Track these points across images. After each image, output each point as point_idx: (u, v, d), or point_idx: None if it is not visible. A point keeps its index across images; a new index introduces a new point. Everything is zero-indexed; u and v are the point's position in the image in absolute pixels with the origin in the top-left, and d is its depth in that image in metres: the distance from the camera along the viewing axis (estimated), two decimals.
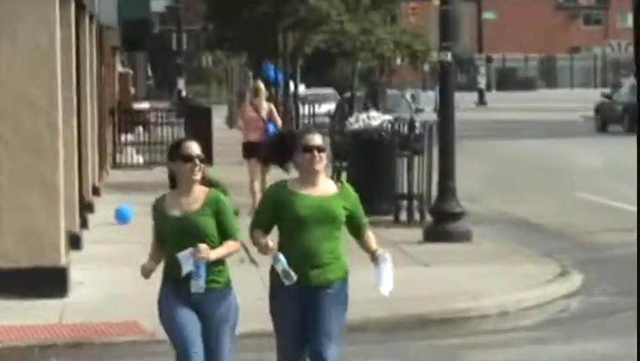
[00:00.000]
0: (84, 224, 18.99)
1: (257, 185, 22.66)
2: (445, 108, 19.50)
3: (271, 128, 22.61)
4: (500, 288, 14.94)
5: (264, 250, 7.30)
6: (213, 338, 7.31)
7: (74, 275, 14.81)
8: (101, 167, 26.32)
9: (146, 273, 7.37)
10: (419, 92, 33.81)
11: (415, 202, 20.06)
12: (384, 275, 7.43)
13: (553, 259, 17.68)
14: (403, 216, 20.20)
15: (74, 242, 16.76)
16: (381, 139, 20.75)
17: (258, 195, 21.65)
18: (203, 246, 7.08)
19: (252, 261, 11.82)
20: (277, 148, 7.95)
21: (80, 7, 19.18)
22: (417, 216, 20.00)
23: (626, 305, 14.42)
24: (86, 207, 20.05)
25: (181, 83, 46.20)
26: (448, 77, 19.65)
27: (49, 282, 14.33)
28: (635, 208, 23.40)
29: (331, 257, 7.41)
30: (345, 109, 29.91)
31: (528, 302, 14.63)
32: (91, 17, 22.01)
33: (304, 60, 34.49)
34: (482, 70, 66.11)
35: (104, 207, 21.67)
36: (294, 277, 7.17)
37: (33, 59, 14.42)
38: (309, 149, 7.46)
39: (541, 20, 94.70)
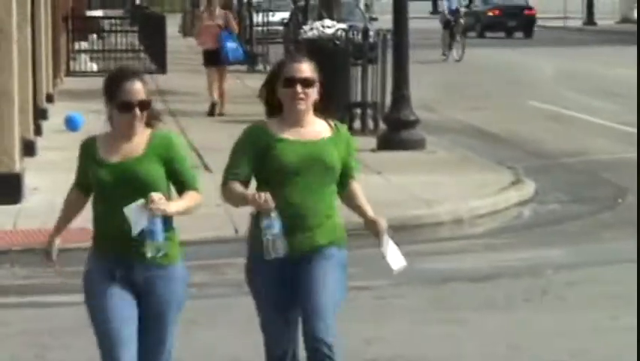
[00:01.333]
0: (38, 131, 18.81)
1: (215, 92, 23.10)
2: (398, 15, 19.24)
3: (226, 34, 23.23)
4: (454, 196, 14.89)
5: (254, 202, 5.76)
6: (153, 329, 5.76)
7: (28, 181, 14.78)
8: (55, 74, 26.30)
9: (50, 252, 5.89)
10: (373, 1, 33.51)
11: (369, 110, 20.40)
12: (389, 255, 6.21)
13: (506, 168, 17.64)
14: (357, 124, 20.12)
15: (28, 148, 16.69)
16: (335, 48, 20.64)
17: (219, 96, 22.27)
18: (157, 195, 5.50)
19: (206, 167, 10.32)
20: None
21: None
22: (371, 124, 20.04)
23: (577, 212, 14.95)
24: (39, 114, 19.89)
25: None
26: None
27: (3, 188, 14.32)
28: (586, 116, 24.07)
29: (322, 216, 6.02)
30: (299, 17, 30.05)
31: (481, 210, 14.58)
32: None
33: None
34: None
35: (58, 115, 21.78)
36: (283, 251, 5.77)
37: None
38: (292, 82, 5.97)
39: None
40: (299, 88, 5.90)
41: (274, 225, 5.72)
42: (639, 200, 8.69)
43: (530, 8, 56.89)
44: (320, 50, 20.71)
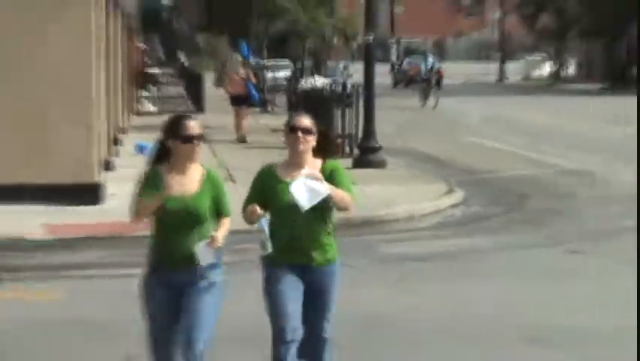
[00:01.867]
0: (115, 153, 18.77)
1: (240, 125, 23.62)
2: (367, 74, 19.33)
3: (250, 84, 23.70)
4: (407, 199, 15.15)
5: (250, 216, 5.51)
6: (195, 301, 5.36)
7: (109, 190, 14.55)
8: (127, 113, 26.35)
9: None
10: (349, 63, 33.22)
11: (347, 140, 20.32)
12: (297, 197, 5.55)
13: (444, 181, 17.29)
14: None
15: (107, 166, 16.46)
16: (323, 96, 20.99)
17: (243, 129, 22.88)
18: (218, 235, 5.29)
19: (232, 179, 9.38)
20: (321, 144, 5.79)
21: (113, 1, 19.47)
22: (348, 150, 20.07)
23: (493, 212, 15.09)
24: (116, 142, 20.16)
25: (182, 56, 45.14)
26: (370, 52, 19.44)
27: (87, 194, 14.06)
28: (502, 146, 23.88)
29: (317, 242, 5.57)
30: (297, 75, 30.76)
31: (427, 210, 14.83)
32: (119, 9, 21.98)
33: (268, 39, 34.00)
34: (393, 48, 65.32)
35: (129, 142, 21.44)
36: (269, 249, 5.51)
37: (79, 37, 13.82)
38: (294, 130, 5.70)
39: (436, 13, 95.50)
40: (300, 134, 5.56)
41: (261, 226, 5.49)
42: (639, 205, 8.46)
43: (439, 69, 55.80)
44: (312, 98, 21.57)
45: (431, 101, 34.77)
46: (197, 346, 5.18)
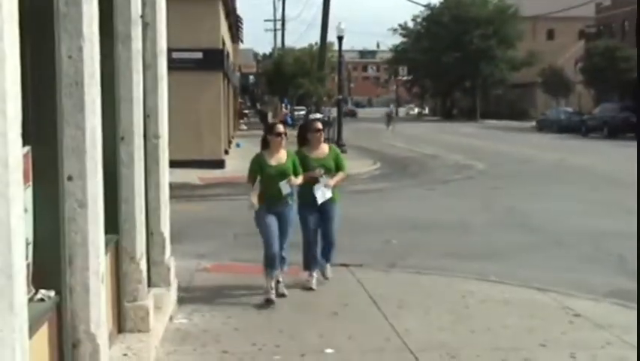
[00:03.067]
0: (229, 147, 25.84)
1: None
2: (339, 112, 28.46)
3: (288, 116, 36.51)
4: (356, 166, 19.80)
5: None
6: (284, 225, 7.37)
7: (227, 162, 21.09)
8: (234, 130, 37.85)
9: (253, 203, 7.17)
10: (332, 109, 44.39)
11: (329, 141, 28.36)
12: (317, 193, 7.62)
13: (372, 159, 24.19)
14: None
15: (226, 152, 23.01)
16: (320, 121, 30.02)
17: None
18: (297, 178, 7.30)
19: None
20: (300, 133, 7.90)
21: (228, 79, 27.29)
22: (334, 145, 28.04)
23: (393, 172, 20.95)
24: (229, 142, 27.72)
25: (258, 104, 71.55)
26: (339, 103, 28.95)
27: (218, 164, 20.40)
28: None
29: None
30: (309, 113, 41.62)
31: (364, 171, 20.27)
32: (231, 84, 31.44)
33: (296, 98, 49.90)
34: (349, 102, 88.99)
35: (235, 142, 29.59)
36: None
37: (216, 95, 21.15)
38: (316, 130, 7.84)
39: (368, 85, 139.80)
40: (317, 132, 7.84)
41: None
42: (639, 198, 8.58)
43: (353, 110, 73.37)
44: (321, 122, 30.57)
45: (391, 126, 45.63)
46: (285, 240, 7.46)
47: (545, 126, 48.73)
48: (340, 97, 30.18)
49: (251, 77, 73.32)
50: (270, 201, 7.14)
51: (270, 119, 53.40)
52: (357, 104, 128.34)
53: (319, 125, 7.92)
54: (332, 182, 7.58)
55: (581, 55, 54.20)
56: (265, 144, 7.39)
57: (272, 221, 7.18)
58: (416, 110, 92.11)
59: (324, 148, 7.83)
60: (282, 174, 7.18)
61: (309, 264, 7.76)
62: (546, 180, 19.37)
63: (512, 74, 69.03)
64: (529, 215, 13.28)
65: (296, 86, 45.52)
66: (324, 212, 7.70)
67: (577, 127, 44.11)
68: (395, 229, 11.26)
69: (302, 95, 47.29)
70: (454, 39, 67.56)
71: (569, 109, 52.13)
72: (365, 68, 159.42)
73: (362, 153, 26.94)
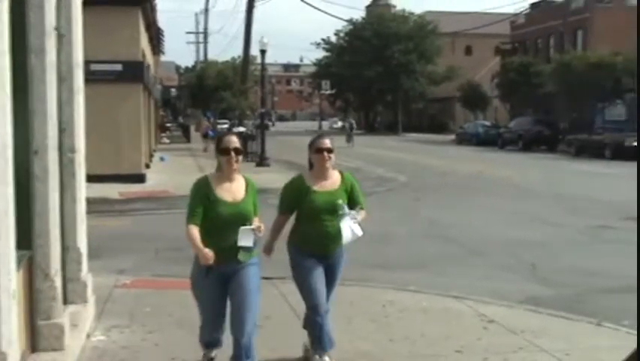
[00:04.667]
0: (150, 160, 25.64)
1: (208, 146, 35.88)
2: (261, 126, 28.73)
3: (211, 129, 36.49)
4: (279, 180, 19.80)
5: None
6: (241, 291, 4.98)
7: (147, 176, 20.97)
8: (155, 143, 37.22)
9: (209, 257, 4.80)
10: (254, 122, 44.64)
11: (253, 155, 28.19)
12: (345, 229, 5.38)
13: (297, 173, 24.77)
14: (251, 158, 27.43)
15: (147, 166, 22.93)
16: (242, 135, 28.93)
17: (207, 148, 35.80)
18: (262, 226, 4.96)
19: None
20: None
21: (148, 92, 26.98)
22: (257, 158, 27.82)
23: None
24: (151, 155, 27.41)
25: (180, 117, 71.87)
26: (262, 117, 28.97)
27: (138, 178, 20.32)
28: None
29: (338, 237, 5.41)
30: (231, 126, 40.97)
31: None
32: (152, 96, 28.17)
33: (218, 111, 50.24)
34: (273, 118, 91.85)
35: (156, 155, 29.53)
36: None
37: (135, 108, 20.88)
38: (321, 150, 5.41)
39: (291, 99, 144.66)
40: (325, 154, 5.37)
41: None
42: (639, 203, 8.67)
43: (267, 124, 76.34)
44: (239, 136, 30.72)
45: (351, 143, 44.74)
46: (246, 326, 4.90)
47: (464, 139, 49.91)
48: (263, 110, 30.19)
49: (173, 90, 72.87)
50: (219, 257, 4.80)
51: (193, 132, 53.19)
52: (282, 118, 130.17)
53: (328, 143, 5.46)
54: (362, 216, 5.44)
55: (497, 70, 55.76)
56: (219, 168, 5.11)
57: (215, 290, 4.98)
58: (340, 123, 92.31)
59: (334, 177, 5.48)
60: (240, 216, 4.89)
61: (322, 342, 5.52)
62: (465, 191, 19.80)
63: (432, 89, 70.58)
64: (448, 226, 13.55)
65: (218, 99, 45.27)
66: (331, 267, 5.52)
67: (494, 140, 45.36)
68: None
69: (225, 109, 47.06)
70: (375, 54, 68.63)
71: (487, 122, 53.54)
72: (289, 82, 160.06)
73: (286, 167, 26.96)
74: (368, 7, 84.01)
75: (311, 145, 5.53)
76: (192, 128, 56.94)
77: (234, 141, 5.06)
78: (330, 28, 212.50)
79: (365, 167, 27.72)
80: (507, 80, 50.91)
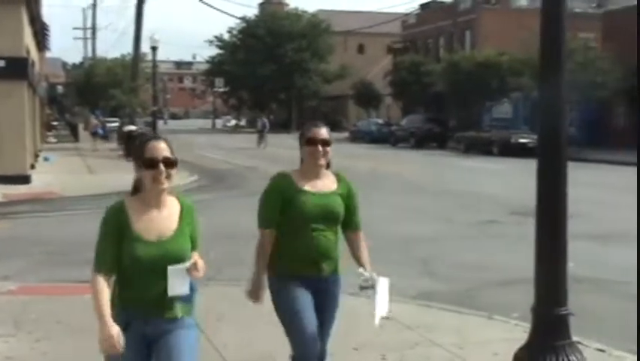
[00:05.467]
0: (35, 160, 24.77)
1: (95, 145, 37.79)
2: (154, 123, 29.11)
3: (100, 128, 35.70)
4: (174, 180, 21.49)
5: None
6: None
7: (32, 177, 20.39)
8: (41, 142, 36.11)
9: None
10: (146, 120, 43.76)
11: None
12: (379, 302, 4.14)
13: (189, 171, 24.97)
14: None
15: (32, 166, 22.06)
16: (132, 133, 29.23)
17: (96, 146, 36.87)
18: (200, 262, 3.50)
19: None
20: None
21: (33, 89, 25.87)
22: None
23: (211, 184, 21.33)
24: (36, 156, 26.43)
25: (67, 116, 70.17)
26: (154, 114, 30.17)
27: (22, 179, 19.65)
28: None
29: (331, 254, 4.26)
30: (121, 124, 40.71)
31: (179, 184, 21.55)
32: (37, 94, 29.70)
33: (109, 109, 49.23)
34: (166, 116, 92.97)
35: (42, 155, 28.51)
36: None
37: (19, 107, 20.06)
38: (314, 142, 4.17)
39: (184, 97, 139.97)
40: (320, 147, 4.14)
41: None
42: (639, 199, 8.31)
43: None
44: (129, 135, 29.56)
45: (263, 144, 41.73)
46: None
47: (358, 137, 50.60)
48: (155, 108, 29.70)
49: (59, 88, 70.50)
50: (140, 311, 3.47)
51: (81, 130, 51.63)
52: (174, 116, 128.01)
53: (324, 133, 4.23)
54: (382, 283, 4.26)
55: (389, 69, 56.85)
56: (136, 188, 3.57)
57: (134, 356, 3.46)
58: (233, 122, 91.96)
59: (330, 177, 4.33)
60: (170, 259, 3.43)
61: None
62: (360, 188, 19.81)
63: (325, 87, 71.24)
64: None
65: (108, 97, 44.11)
66: (324, 294, 4.33)
67: (387, 137, 46.21)
68: (213, 242, 11.18)
69: (115, 107, 45.87)
70: (269, 52, 68.65)
71: (380, 120, 54.51)
72: (181, 80, 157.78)
73: (179, 166, 26.62)
74: (261, 5, 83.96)
75: (301, 135, 4.30)
76: (81, 126, 55.18)
77: (163, 148, 3.47)
78: (223, 25, 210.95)
79: (262, 165, 27.56)
80: (399, 79, 51.97)
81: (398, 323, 6.88)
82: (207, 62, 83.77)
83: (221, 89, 79.07)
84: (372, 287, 4.19)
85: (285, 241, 4.24)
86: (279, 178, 4.28)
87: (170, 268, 3.42)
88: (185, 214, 3.60)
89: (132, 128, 31.21)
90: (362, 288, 4.22)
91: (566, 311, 4.55)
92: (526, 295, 4.90)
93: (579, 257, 5.29)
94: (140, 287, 3.49)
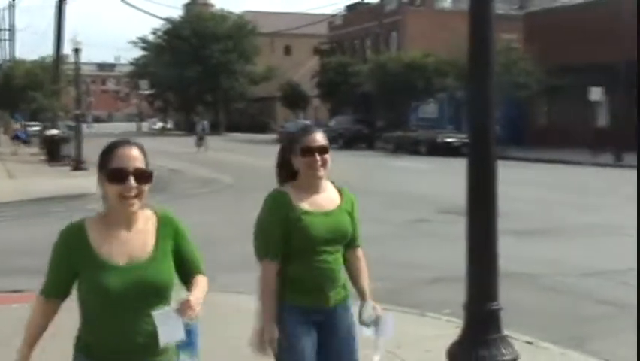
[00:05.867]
0: None
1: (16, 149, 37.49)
2: (77, 128, 27.78)
3: (21, 133, 34.68)
4: (91, 186, 20.75)
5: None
6: None
7: None
8: None
9: None
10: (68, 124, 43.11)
11: (69, 158, 28.11)
12: (381, 342, 3.68)
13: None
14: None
15: None
16: (54, 137, 30.06)
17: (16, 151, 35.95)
18: (194, 297, 2.77)
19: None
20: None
21: None
22: (72, 162, 27.37)
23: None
24: None
25: None
26: (77, 118, 27.96)
27: None
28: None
29: (338, 280, 3.63)
30: (43, 129, 39.75)
31: None
32: None
33: (29, 112, 47.19)
34: (89, 119, 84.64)
35: None
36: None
37: None
38: (311, 151, 3.57)
39: (107, 99, 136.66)
40: (317, 156, 3.56)
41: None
42: (639, 205, 8.03)
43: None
44: (51, 139, 29.55)
45: (203, 147, 40.45)
46: None
47: None
48: (78, 111, 29.01)
49: None
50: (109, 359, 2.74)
51: (1, 135, 50.14)
52: (98, 119, 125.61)
53: (321, 139, 3.65)
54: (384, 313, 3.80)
55: (316, 70, 57.12)
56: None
57: None
58: (159, 124, 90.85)
59: (330, 190, 3.74)
60: (146, 288, 2.72)
61: None
62: None
63: (252, 88, 71.05)
64: None
65: (29, 100, 42.95)
66: (333, 330, 3.63)
67: None
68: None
69: (35, 110, 44.71)
70: (195, 53, 68.01)
71: (308, 122, 54.72)
72: (104, 82, 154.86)
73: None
74: (186, 6, 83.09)
75: (292, 143, 3.65)
76: (0, 130, 53.60)
77: (135, 157, 2.74)
78: (147, 26, 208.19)
79: (187, 168, 27.35)
80: (326, 80, 52.24)
81: None
82: (131, 63, 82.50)
83: (147, 92, 77.98)
84: (376, 324, 3.67)
85: (288, 268, 3.57)
86: (279, 197, 3.60)
87: (154, 313, 2.65)
88: (163, 229, 2.83)
89: (54, 132, 30.49)
90: (362, 323, 3.70)
91: (497, 306, 4.66)
92: (456, 292, 5.00)
93: (507, 253, 5.41)
94: (111, 329, 2.69)
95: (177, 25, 72.21)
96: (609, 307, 7.84)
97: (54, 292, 2.79)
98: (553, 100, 37.86)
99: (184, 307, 2.68)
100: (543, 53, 35.30)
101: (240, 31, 70.32)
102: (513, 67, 33.22)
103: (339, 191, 3.77)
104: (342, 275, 3.70)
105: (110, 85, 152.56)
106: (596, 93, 31.10)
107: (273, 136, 55.34)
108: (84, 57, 34.27)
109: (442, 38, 37.24)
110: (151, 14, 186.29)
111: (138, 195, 2.72)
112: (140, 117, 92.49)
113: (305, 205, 3.58)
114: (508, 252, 5.92)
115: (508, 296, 5.15)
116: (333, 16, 62.99)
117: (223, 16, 72.01)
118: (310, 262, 3.55)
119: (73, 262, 2.72)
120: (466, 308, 4.68)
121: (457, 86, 34.94)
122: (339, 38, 61.53)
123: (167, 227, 2.84)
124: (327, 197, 3.68)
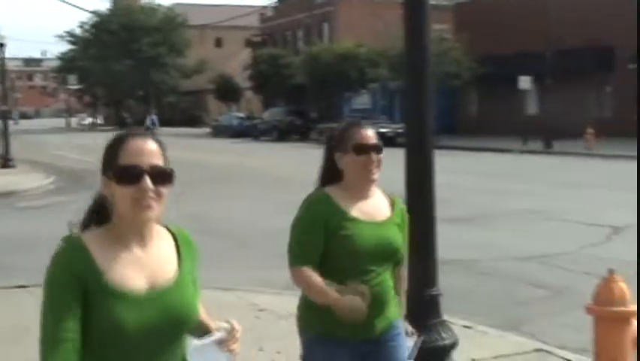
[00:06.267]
0: None
1: None
2: (5, 127, 26.67)
3: None
4: (26, 181, 20.96)
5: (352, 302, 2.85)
6: None
7: None
8: None
9: None
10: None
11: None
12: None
13: (45, 172, 24.15)
14: None
15: None
16: None
17: None
18: (235, 323, 2.36)
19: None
20: None
21: None
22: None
23: (67, 185, 20.01)
24: None
25: None
26: (5, 115, 28.83)
27: None
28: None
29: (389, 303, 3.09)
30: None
31: (37, 185, 19.93)
32: None
33: None
34: (16, 116, 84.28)
35: None
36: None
37: None
38: (366, 149, 3.06)
39: (36, 93, 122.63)
40: (373, 155, 3.04)
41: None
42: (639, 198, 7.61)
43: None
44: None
45: None
46: None
47: (220, 132, 50.37)
48: (5, 108, 28.22)
49: None
50: None
51: None
52: (24, 116, 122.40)
53: (373, 136, 3.14)
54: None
55: (248, 62, 56.89)
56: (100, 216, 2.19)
57: None
58: (89, 120, 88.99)
59: (381, 198, 3.17)
60: (171, 316, 2.08)
61: None
62: (226, 183, 20.03)
63: (184, 82, 70.36)
64: (213, 219, 13.58)
65: None
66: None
67: (249, 131, 46.31)
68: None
69: None
70: (124, 47, 66.94)
71: (241, 114, 54.49)
72: (31, 77, 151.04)
73: (33, 167, 25.56)
74: None
75: (341, 138, 3.14)
76: None
77: (152, 152, 2.18)
78: (74, 20, 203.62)
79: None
80: (258, 72, 52.09)
81: (272, 313, 6.97)
82: (59, 58, 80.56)
83: (75, 87, 76.27)
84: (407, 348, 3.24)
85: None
86: (319, 201, 3.10)
87: (195, 343, 2.16)
88: (183, 248, 2.26)
89: None
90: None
91: (437, 292, 4.77)
92: None
93: (444, 240, 5.54)
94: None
95: (105, 19, 70.90)
96: (544, 291, 8.08)
97: (65, 348, 1.99)
98: (484, 89, 38.62)
99: (231, 339, 2.21)
100: (473, 43, 35.97)
101: (170, 24, 69.49)
102: (444, 57, 33.75)
103: (392, 201, 3.19)
104: (394, 301, 3.14)
105: (37, 80, 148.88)
106: (524, 82, 31.82)
107: (207, 130, 54.92)
108: (9, 52, 33.33)
109: (373, 29, 37.56)
110: (77, 7, 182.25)
111: (156, 199, 2.12)
112: (69, 113, 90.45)
113: (352, 211, 3.02)
114: (446, 239, 6.07)
115: (446, 282, 5.29)
116: (264, 7, 62.82)
117: (152, 9, 71.04)
118: (353, 282, 2.94)
119: (78, 295, 2.02)
120: (407, 295, 4.66)
121: (389, 77, 35.29)
122: (271, 30, 61.40)
123: (187, 247, 2.26)
124: (376, 204, 3.12)
